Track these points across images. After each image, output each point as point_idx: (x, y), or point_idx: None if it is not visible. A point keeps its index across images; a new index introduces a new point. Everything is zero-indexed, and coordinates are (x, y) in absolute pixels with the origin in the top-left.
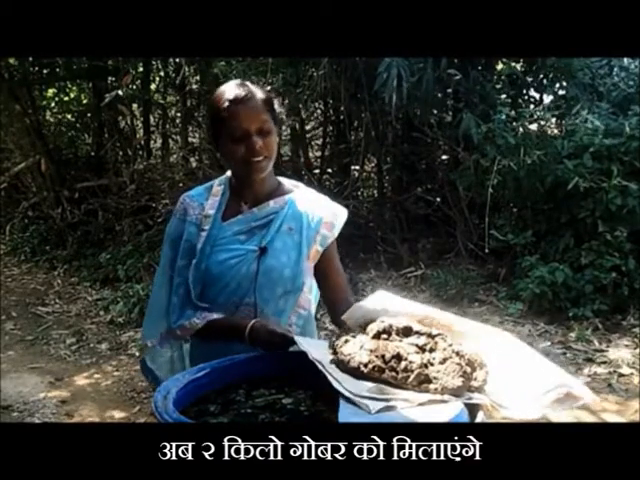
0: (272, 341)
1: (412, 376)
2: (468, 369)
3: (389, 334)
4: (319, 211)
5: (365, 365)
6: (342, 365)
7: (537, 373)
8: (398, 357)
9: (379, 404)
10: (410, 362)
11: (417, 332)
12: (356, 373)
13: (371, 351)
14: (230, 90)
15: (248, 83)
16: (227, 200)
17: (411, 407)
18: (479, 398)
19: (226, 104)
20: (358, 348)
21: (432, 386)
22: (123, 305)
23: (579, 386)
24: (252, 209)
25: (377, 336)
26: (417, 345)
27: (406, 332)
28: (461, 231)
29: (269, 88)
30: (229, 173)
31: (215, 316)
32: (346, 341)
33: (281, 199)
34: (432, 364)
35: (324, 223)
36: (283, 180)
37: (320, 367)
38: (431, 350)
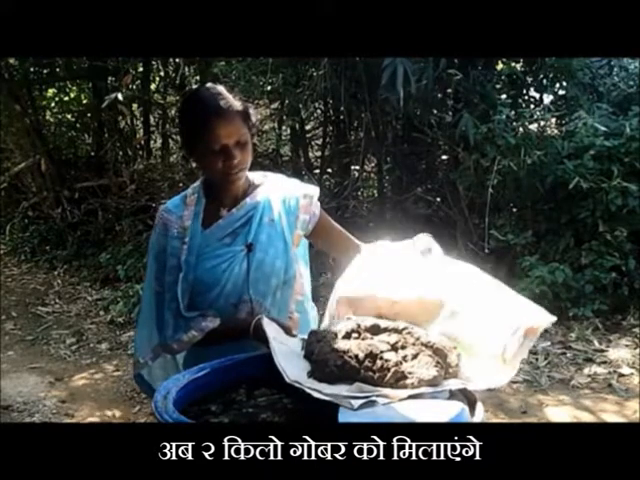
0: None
1: (389, 375)
2: (440, 359)
3: (359, 333)
4: (294, 195)
5: (340, 367)
6: (318, 373)
7: (496, 322)
8: (372, 356)
9: (360, 400)
10: (386, 360)
11: (385, 329)
12: (332, 377)
13: (344, 352)
14: (206, 100)
15: (223, 91)
16: (204, 207)
17: (391, 402)
18: (455, 384)
19: (203, 116)
20: (330, 351)
21: (409, 381)
22: (123, 305)
23: (531, 316)
24: (231, 211)
25: (347, 336)
26: (388, 343)
27: (374, 330)
28: (461, 231)
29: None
30: (202, 179)
31: (212, 326)
32: (318, 342)
33: (255, 194)
34: (406, 360)
35: (301, 206)
36: (251, 174)
37: (299, 386)
38: (402, 347)
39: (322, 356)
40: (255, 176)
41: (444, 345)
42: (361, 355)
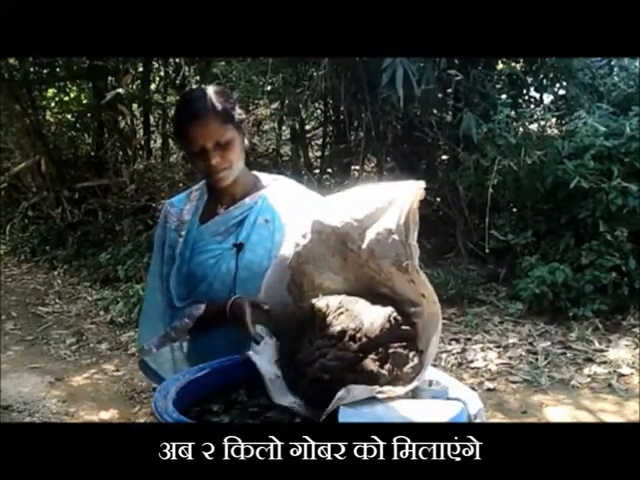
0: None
1: (380, 381)
2: (407, 343)
3: (319, 350)
4: (297, 198)
5: (327, 394)
6: (314, 408)
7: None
8: (350, 370)
9: (359, 392)
10: (367, 373)
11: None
12: (328, 402)
13: (320, 382)
14: (186, 105)
15: (209, 91)
16: (205, 204)
17: (389, 397)
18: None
19: (182, 120)
20: (308, 386)
21: (402, 383)
22: (123, 305)
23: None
24: (229, 209)
25: (313, 360)
26: (351, 350)
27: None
28: (461, 231)
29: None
30: None
31: (201, 311)
32: (298, 374)
33: (257, 194)
34: (384, 363)
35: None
36: (261, 175)
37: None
38: (364, 349)
39: (305, 393)
40: (265, 178)
41: (398, 319)
42: (337, 376)
